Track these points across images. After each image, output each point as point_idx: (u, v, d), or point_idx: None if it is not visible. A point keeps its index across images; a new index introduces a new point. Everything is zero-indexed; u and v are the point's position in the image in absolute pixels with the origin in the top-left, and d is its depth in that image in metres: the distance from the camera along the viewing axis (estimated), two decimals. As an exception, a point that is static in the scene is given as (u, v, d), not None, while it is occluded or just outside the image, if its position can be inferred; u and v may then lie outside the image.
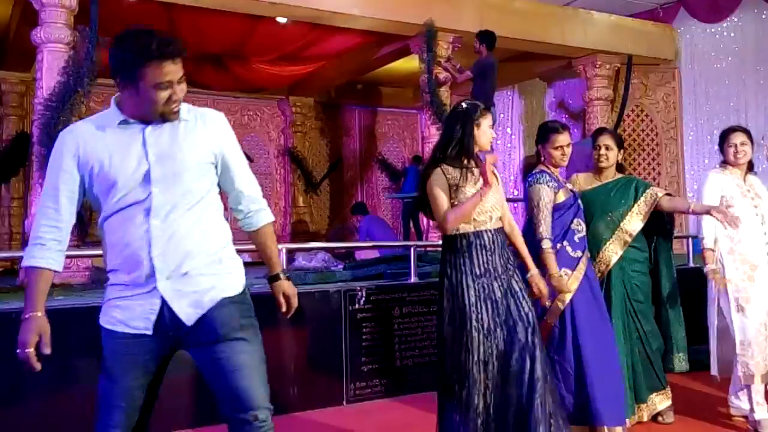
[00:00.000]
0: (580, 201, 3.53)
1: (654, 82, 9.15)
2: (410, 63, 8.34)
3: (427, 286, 4.85)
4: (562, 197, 3.43)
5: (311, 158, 10.72)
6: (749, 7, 8.38)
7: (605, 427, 3.22)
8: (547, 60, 8.99)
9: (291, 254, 6.28)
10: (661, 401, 3.75)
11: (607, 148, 3.74)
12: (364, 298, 4.54)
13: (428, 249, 5.97)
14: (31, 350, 1.89)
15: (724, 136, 3.82)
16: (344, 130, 11.31)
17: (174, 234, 1.98)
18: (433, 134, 7.52)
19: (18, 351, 1.90)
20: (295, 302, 2.32)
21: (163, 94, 1.95)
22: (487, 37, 6.74)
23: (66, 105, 5.62)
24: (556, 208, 3.39)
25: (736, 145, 3.72)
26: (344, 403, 4.38)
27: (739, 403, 3.78)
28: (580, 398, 3.25)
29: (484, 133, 2.94)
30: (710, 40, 8.83)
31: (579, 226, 3.44)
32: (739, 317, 3.60)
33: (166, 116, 2.00)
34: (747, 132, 3.80)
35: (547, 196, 3.36)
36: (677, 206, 3.77)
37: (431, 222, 7.51)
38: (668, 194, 3.76)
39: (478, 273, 2.81)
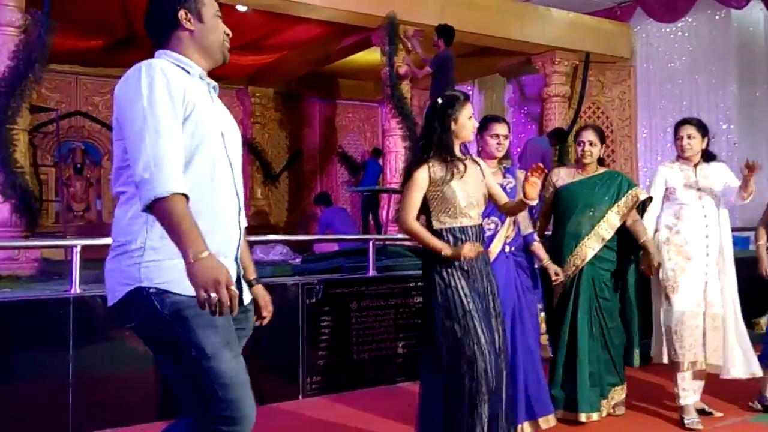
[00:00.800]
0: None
1: (610, 79, 9.31)
2: (371, 55, 8.32)
3: (386, 279, 4.86)
4: None
5: (270, 150, 10.62)
6: (703, 8, 8.58)
7: None
8: (506, 55, 9.07)
9: (249, 247, 6.19)
10: (618, 395, 3.86)
11: (590, 144, 3.79)
12: (321, 292, 4.51)
13: (387, 243, 5.97)
14: (235, 289, 1.63)
15: (675, 129, 3.90)
16: (304, 122, 11.23)
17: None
18: (394, 127, 7.53)
19: (213, 294, 1.58)
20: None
21: (222, 25, 1.94)
22: (445, 31, 6.76)
23: (16, 91, 5.46)
24: None
25: (683, 138, 3.80)
26: (300, 397, 4.35)
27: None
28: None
29: (463, 126, 2.90)
30: (665, 39, 9.02)
31: (490, 225, 3.41)
32: (665, 305, 3.73)
33: (225, 57, 1.97)
34: (697, 124, 3.83)
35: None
36: (636, 231, 3.76)
37: (390, 216, 7.52)
38: (649, 197, 3.83)
39: (465, 267, 2.83)
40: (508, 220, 3.45)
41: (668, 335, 3.72)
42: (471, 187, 2.88)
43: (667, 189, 3.82)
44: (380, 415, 3.94)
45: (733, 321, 3.76)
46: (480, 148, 3.54)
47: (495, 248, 3.40)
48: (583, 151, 3.81)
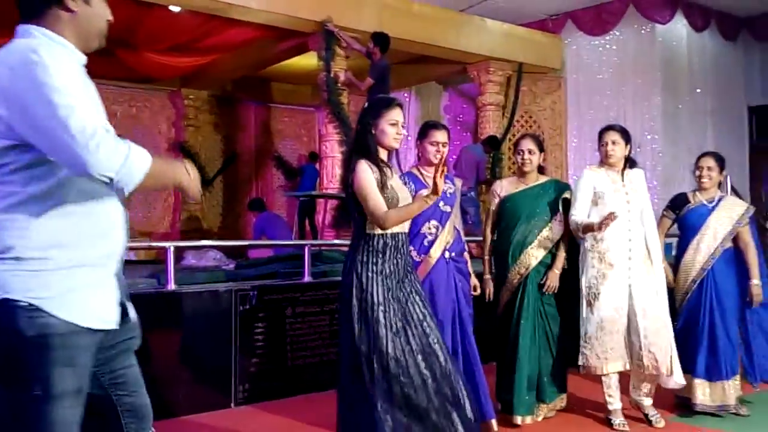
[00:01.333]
0: (440, 203, 3.45)
1: (542, 90, 9.54)
2: (309, 60, 8.28)
3: (321, 285, 4.82)
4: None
5: (204, 153, 10.39)
6: (630, 23, 8.90)
7: None
8: (443, 64, 9.18)
9: (179, 252, 6.06)
10: (561, 401, 3.97)
11: (530, 152, 3.87)
12: (255, 298, 4.44)
13: (323, 248, 5.93)
14: None
15: (599, 135, 3.97)
16: (239, 126, 11.05)
17: None
18: (331, 133, 7.50)
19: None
20: None
21: (108, 11, 1.78)
22: (381, 39, 6.79)
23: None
24: None
25: (607, 144, 3.86)
26: (233, 405, 4.27)
27: (636, 396, 3.94)
28: None
29: (383, 132, 2.85)
30: (594, 51, 9.31)
31: (431, 229, 3.45)
32: (586, 312, 3.78)
33: (101, 45, 1.80)
34: (620, 130, 3.89)
35: None
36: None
37: (326, 221, 7.48)
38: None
39: (386, 273, 2.79)
40: (449, 225, 3.48)
41: (586, 341, 3.76)
42: (400, 194, 2.87)
43: (595, 194, 3.84)
44: (314, 422, 3.90)
45: (665, 326, 3.77)
46: (420, 155, 3.56)
47: (435, 253, 3.42)
48: (523, 159, 3.89)
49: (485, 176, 8.39)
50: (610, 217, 3.52)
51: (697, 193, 4.15)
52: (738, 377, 4.04)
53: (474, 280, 3.71)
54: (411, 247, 3.38)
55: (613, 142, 3.85)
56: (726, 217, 4.06)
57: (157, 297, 4.18)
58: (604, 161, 3.90)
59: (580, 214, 3.79)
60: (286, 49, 8.24)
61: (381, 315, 2.73)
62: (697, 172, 4.13)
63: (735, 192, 4.29)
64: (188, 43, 8.02)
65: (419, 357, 2.74)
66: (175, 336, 4.12)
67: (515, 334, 3.78)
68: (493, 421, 3.49)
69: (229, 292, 4.37)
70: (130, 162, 1.56)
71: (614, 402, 3.82)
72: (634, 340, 3.72)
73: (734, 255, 4.09)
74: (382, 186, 2.80)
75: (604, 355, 3.72)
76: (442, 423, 2.70)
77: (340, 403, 2.88)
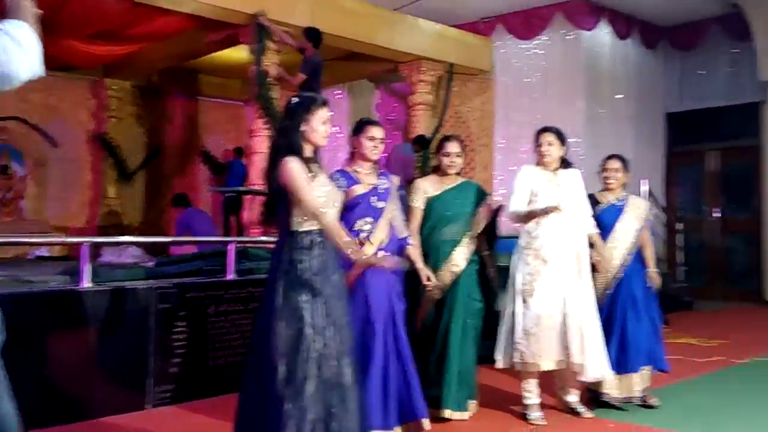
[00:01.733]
0: (373, 199, 3.45)
1: (472, 91, 9.68)
2: (239, 53, 8.12)
3: (246, 283, 4.74)
4: (355, 193, 3.42)
5: (126, 146, 10.05)
6: (557, 28, 9.14)
7: None
8: (375, 62, 9.18)
9: (97, 249, 5.83)
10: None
11: (457, 156, 3.95)
12: (176, 296, 4.32)
13: (249, 245, 5.83)
14: None
15: (536, 136, 4.05)
16: (164, 119, 10.74)
17: None
18: (260, 128, 7.39)
19: None
20: None
21: None
22: (314, 34, 6.73)
23: None
24: (347, 207, 3.33)
25: (543, 145, 3.98)
26: (149, 406, 4.13)
27: (562, 394, 4.03)
28: None
29: (313, 129, 2.81)
30: (522, 55, 9.51)
31: (365, 226, 3.42)
32: (522, 308, 3.84)
33: None
34: (556, 132, 4.01)
35: None
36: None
37: (252, 218, 7.36)
38: (501, 206, 4.05)
39: (315, 271, 2.75)
40: (382, 224, 3.46)
41: (523, 338, 3.80)
42: (324, 192, 2.82)
43: (531, 192, 3.93)
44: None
45: (589, 324, 3.86)
46: (355, 150, 3.52)
47: (369, 251, 3.39)
48: (451, 162, 3.95)
49: (412, 175, 8.43)
50: (554, 208, 3.70)
51: (604, 193, 4.31)
52: (648, 369, 4.17)
53: (427, 271, 3.74)
54: None
55: (549, 143, 3.96)
56: (635, 216, 4.25)
57: (69, 295, 4.00)
58: (540, 162, 4.00)
59: (519, 206, 3.91)
60: (216, 41, 8.05)
61: (307, 314, 2.69)
62: (604, 174, 4.30)
63: (652, 195, 4.46)
64: (112, 30, 7.74)
65: (333, 360, 2.71)
66: (89, 336, 3.96)
67: (446, 330, 3.82)
68: (425, 420, 3.45)
69: (148, 290, 4.23)
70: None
71: (532, 397, 3.90)
72: (566, 337, 3.80)
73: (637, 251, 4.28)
74: (313, 180, 2.77)
75: (539, 352, 3.78)
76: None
77: (244, 401, 2.79)
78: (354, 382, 2.74)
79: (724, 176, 10.22)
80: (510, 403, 4.16)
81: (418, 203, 3.97)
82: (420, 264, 3.76)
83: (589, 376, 3.85)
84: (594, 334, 3.86)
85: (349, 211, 3.37)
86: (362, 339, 3.34)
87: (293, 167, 2.73)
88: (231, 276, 4.74)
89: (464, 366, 3.84)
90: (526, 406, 3.90)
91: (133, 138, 10.28)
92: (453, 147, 3.97)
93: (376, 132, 3.49)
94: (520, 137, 9.34)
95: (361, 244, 3.37)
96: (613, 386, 4.07)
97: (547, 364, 3.81)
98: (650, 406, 4.13)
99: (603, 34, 9.42)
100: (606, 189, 4.29)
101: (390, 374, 3.35)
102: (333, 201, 2.87)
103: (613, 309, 4.15)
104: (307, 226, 2.78)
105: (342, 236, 2.82)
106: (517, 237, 4.05)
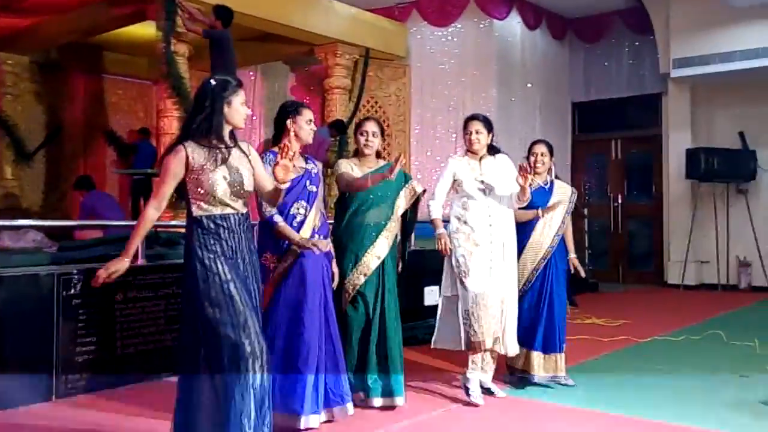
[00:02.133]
0: (307, 182, 3.47)
1: (388, 76, 9.69)
2: (146, 29, 7.77)
3: (156, 269, 4.57)
4: (291, 175, 3.37)
5: (24, 125, 9.43)
6: (470, 16, 9.28)
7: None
8: (290, 44, 9.02)
9: (-6, 232, 5.47)
10: None
11: (373, 135, 3.90)
12: (81, 283, 4.11)
13: (159, 229, 5.61)
14: None
15: (464, 124, 4.14)
16: (66, 97, 10.14)
17: None
18: (170, 108, 7.12)
19: None
20: None
21: None
22: (224, 13, 6.53)
23: None
24: None
25: (471, 133, 4.07)
26: (54, 398, 3.93)
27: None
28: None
29: (237, 111, 2.79)
30: (437, 42, 9.60)
31: (300, 210, 3.43)
32: (461, 289, 3.95)
33: None
34: (484, 120, 4.11)
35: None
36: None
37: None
38: (424, 190, 4.05)
39: (228, 255, 2.70)
40: (315, 208, 3.46)
41: (466, 318, 3.90)
42: (236, 176, 2.75)
43: (455, 181, 4.06)
44: (143, 412, 3.71)
45: (511, 305, 4.04)
46: (294, 133, 3.47)
47: (305, 235, 3.40)
48: (366, 141, 3.90)
49: (325, 158, 8.32)
50: (446, 249, 3.94)
51: (532, 177, 4.37)
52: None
53: (334, 267, 3.66)
54: None
55: (477, 132, 4.06)
56: (561, 199, 4.40)
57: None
58: (469, 149, 4.11)
59: (437, 201, 4.05)
60: (121, 15, 7.68)
61: (234, 291, 2.67)
62: (532, 158, 4.42)
63: (558, 179, 4.61)
64: (7, 1, 7.23)
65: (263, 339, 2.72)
66: (-16, 325, 3.71)
67: (381, 317, 3.78)
68: (350, 405, 3.49)
69: (50, 277, 4.01)
70: None
71: (474, 372, 3.97)
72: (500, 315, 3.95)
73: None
74: (202, 170, 2.68)
75: (481, 330, 3.89)
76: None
77: (185, 392, 2.73)
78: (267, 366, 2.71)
79: (626, 164, 10.73)
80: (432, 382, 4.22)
81: (347, 169, 3.88)
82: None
83: (509, 352, 4.04)
84: (513, 314, 4.05)
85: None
86: (296, 321, 3.35)
87: (172, 154, 2.71)
88: (141, 261, 4.56)
89: (401, 351, 3.86)
90: (467, 379, 3.96)
91: (32, 116, 9.64)
92: (369, 126, 3.92)
93: (312, 115, 3.55)
94: (435, 123, 9.47)
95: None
96: (540, 366, 4.22)
97: (489, 342, 3.91)
98: (567, 385, 4.27)
99: (514, 23, 9.64)
100: (534, 172, 4.37)
101: (321, 357, 3.38)
102: (240, 186, 2.78)
103: (541, 290, 4.29)
104: (208, 210, 2.72)
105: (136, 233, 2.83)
106: (447, 221, 4.11)
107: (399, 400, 3.76)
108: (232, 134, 2.85)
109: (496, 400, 4.02)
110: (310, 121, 3.52)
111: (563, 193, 4.44)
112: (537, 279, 4.31)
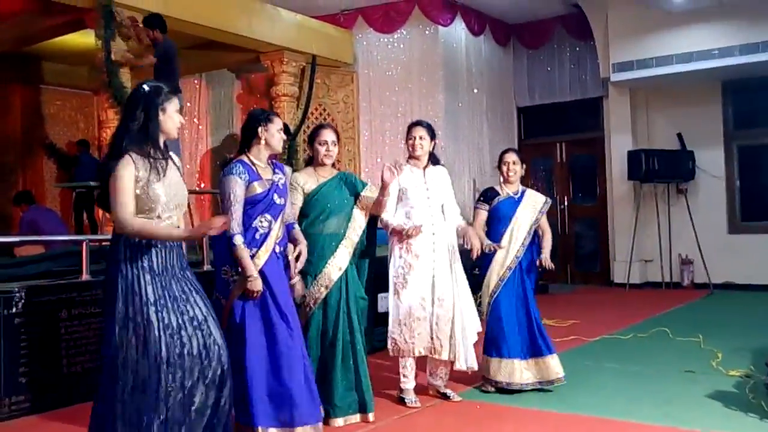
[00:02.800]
0: (274, 196, 3.38)
1: (335, 83, 9.68)
2: (85, 38, 7.56)
3: (101, 284, 4.42)
4: (257, 190, 3.31)
5: (-44, 139, 9.07)
6: (416, 23, 9.35)
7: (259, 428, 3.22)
8: (235, 51, 8.91)
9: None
10: None
11: (333, 144, 3.81)
12: (23, 301, 3.97)
13: (105, 243, 5.46)
14: None
15: (407, 130, 4.13)
16: (2, 109, 9.80)
17: None
18: (111, 119, 6.93)
19: None
20: None
21: None
22: (156, 21, 6.40)
23: None
24: (247, 202, 3.28)
25: (415, 138, 4.08)
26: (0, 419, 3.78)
27: (432, 380, 4.15)
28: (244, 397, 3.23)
29: (170, 118, 2.69)
30: (384, 48, 9.63)
31: (262, 223, 3.32)
32: (394, 299, 3.98)
33: None
34: (427, 127, 4.12)
35: (238, 188, 3.24)
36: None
37: (107, 215, 6.91)
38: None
39: (156, 270, 2.59)
40: (279, 222, 3.37)
41: (397, 327, 3.94)
42: (173, 188, 2.68)
43: (400, 190, 4.03)
44: None
45: (460, 315, 4.01)
46: (265, 141, 3.38)
47: (268, 248, 3.29)
48: (327, 151, 3.81)
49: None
50: (417, 230, 3.82)
51: (504, 185, 4.42)
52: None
53: (295, 281, 3.59)
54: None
55: (420, 138, 4.07)
56: (531, 208, 4.40)
57: None
58: (411, 155, 4.11)
59: (388, 212, 3.97)
60: (58, 24, 7.45)
61: (153, 316, 2.54)
62: (504, 167, 4.38)
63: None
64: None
65: (196, 359, 2.60)
66: None
67: (347, 329, 3.72)
68: (320, 424, 3.40)
69: (-10, 295, 3.86)
70: None
71: (408, 382, 4.01)
72: (436, 328, 3.94)
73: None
74: (146, 182, 2.59)
75: (412, 340, 3.92)
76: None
77: (98, 418, 2.61)
78: (213, 382, 2.64)
79: (571, 167, 10.96)
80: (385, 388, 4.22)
81: (298, 201, 3.78)
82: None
83: (457, 365, 3.99)
84: (466, 323, 4.03)
85: (249, 206, 3.28)
86: (266, 335, 3.26)
87: (122, 167, 2.56)
88: (85, 277, 4.43)
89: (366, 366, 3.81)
90: (403, 390, 4.01)
91: (-36, 129, 9.30)
92: (329, 135, 3.82)
93: (280, 123, 3.46)
94: (384, 129, 9.50)
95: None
96: (523, 373, 4.18)
97: (420, 350, 3.96)
98: (545, 390, 4.26)
99: (458, 30, 9.76)
100: (506, 181, 4.38)
101: (298, 370, 3.29)
102: (178, 200, 2.71)
103: (510, 299, 4.25)
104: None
105: (159, 232, 2.61)
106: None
107: (371, 416, 3.72)
108: (165, 144, 2.75)
109: (450, 405, 4.04)
110: (281, 129, 3.44)
111: (535, 202, 4.41)
112: (506, 287, 4.25)
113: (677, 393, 4.20)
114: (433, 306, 3.96)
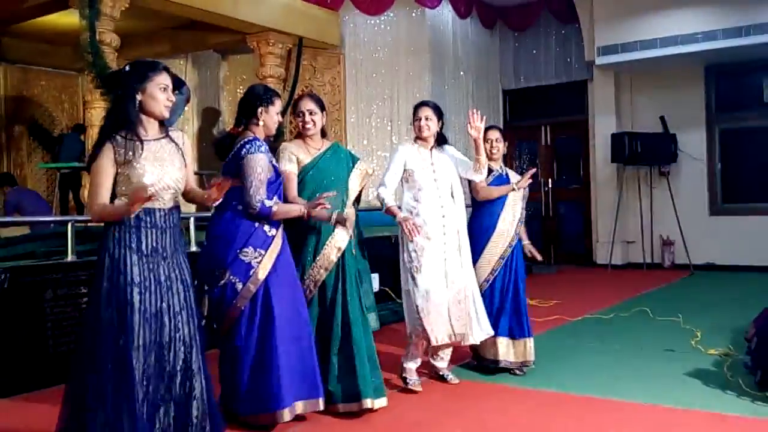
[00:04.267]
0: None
1: (322, 65, 9.64)
2: (68, 18, 7.48)
3: (87, 264, 4.44)
4: (271, 172, 3.33)
5: (-62, 119, 8.97)
6: (403, 5, 9.31)
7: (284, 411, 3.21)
8: (221, 32, 8.84)
9: None
10: None
11: (311, 113, 3.65)
12: (7, 281, 3.97)
13: (90, 224, 5.45)
14: None
15: (414, 111, 4.03)
16: (-16, 90, 9.68)
17: None
18: (97, 99, 6.88)
19: None
20: None
21: None
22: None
23: None
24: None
25: (421, 119, 3.97)
26: (-16, 401, 3.80)
27: (433, 361, 4.11)
28: (256, 385, 3.22)
29: (152, 97, 2.63)
30: (371, 31, 9.60)
31: (274, 206, 3.30)
32: (411, 283, 3.88)
33: None
34: (434, 107, 4.03)
35: (266, 166, 3.26)
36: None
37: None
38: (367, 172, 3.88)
39: (145, 252, 2.58)
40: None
41: (415, 313, 3.84)
42: (161, 170, 2.65)
43: (406, 171, 3.93)
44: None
45: (471, 293, 3.98)
46: (264, 123, 3.38)
47: (280, 230, 3.35)
48: (304, 121, 3.66)
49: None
50: (415, 231, 3.72)
51: (489, 163, 4.28)
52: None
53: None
54: (264, 221, 3.25)
55: (427, 118, 3.96)
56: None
57: None
58: (419, 136, 3.99)
59: (388, 189, 3.88)
60: (40, 4, 7.36)
61: (136, 298, 2.54)
62: (487, 145, 4.27)
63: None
64: None
65: (164, 350, 2.60)
66: None
67: (344, 316, 3.56)
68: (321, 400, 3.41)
69: (-25, 276, 3.86)
70: None
71: (414, 362, 3.99)
72: (452, 309, 3.89)
73: None
74: (127, 164, 2.57)
75: (430, 326, 3.82)
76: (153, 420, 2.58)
77: (70, 398, 2.61)
78: (198, 372, 2.66)
79: (556, 149, 11.03)
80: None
81: (291, 167, 3.62)
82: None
83: (471, 341, 3.96)
84: (476, 302, 3.99)
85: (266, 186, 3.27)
86: (267, 319, 3.25)
87: (101, 154, 2.57)
88: (71, 258, 4.43)
89: (370, 350, 3.62)
90: (405, 370, 3.97)
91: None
92: (306, 104, 3.67)
93: (281, 106, 3.46)
94: (371, 112, 9.50)
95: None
96: (509, 352, 4.19)
97: (440, 338, 3.87)
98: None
99: (445, 12, 9.74)
100: (490, 159, 4.29)
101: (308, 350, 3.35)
102: (167, 182, 2.68)
103: (506, 277, 4.25)
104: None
105: (111, 213, 2.57)
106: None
107: (367, 402, 3.47)
108: (162, 124, 2.73)
109: (443, 385, 4.06)
110: (279, 112, 3.43)
111: (516, 180, 4.39)
112: (502, 267, 4.24)
113: (657, 371, 4.29)
114: (448, 289, 3.89)
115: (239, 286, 3.20)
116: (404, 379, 3.97)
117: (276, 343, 3.21)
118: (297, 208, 3.36)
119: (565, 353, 4.79)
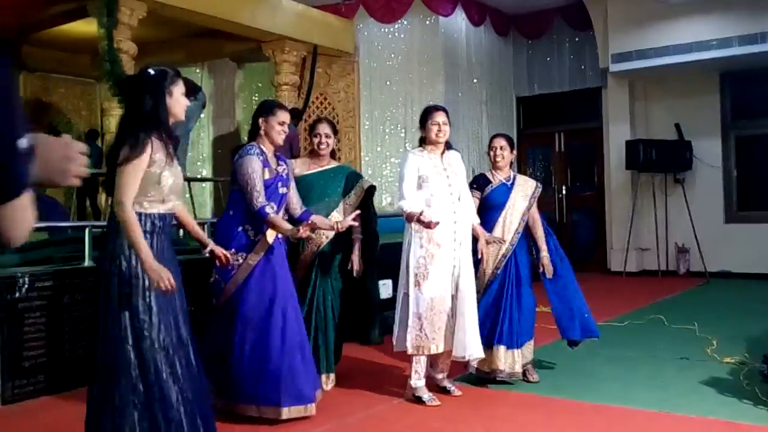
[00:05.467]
0: (278, 184, 3.59)
1: (336, 72, 9.70)
2: (87, 26, 7.59)
3: (102, 267, 4.49)
4: (266, 175, 3.51)
5: (-40, 126, 9.09)
6: (417, 13, 9.35)
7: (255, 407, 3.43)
8: (237, 41, 8.94)
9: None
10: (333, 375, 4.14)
11: (326, 136, 4.03)
12: (27, 286, 4.03)
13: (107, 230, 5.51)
14: None
15: (426, 115, 3.97)
16: (5, 97, 9.81)
17: None
18: (114, 107, 6.98)
19: None
20: None
21: None
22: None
23: None
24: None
25: (439, 124, 3.90)
26: (0, 403, 3.84)
27: (432, 372, 4.02)
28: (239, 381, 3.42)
29: (177, 101, 2.70)
30: (384, 38, 9.65)
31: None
32: (415, 291, 3.80)
33: None
34: (447, 112, 4.01)
35: (257, 165, 3.45)
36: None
37: (110, 201, 6.96)
38: (372, 186, 4.15)
39: (156, 256, 2.61)
40: (282, 210, 3.57)
41: (417, 322, 3.77)
42: (176, 175, 2.72)
43: (420, 177, 3.86)
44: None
45: (471, 305, 3.88)
46: (265, 132, 3.56)
47: (271, 235, 3.48)
48: (320, 143, 4.04)
49: (299, 150, 8.14)
50: (431, 226, 3.65)
51: (494, 172, 4.32)
52: (532, 343, 4.30)
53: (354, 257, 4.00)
54: (248, 225, 3.47)
55: (443, 123, 3.92)
56: (522, 194, 4.31)
57: None
58: (434, 142, 3.93)
59: (408, 199, 3.81)
60: (60, 13, 7.48)
61: (154, 300, 2.58)
62: (491, 153, 4.29)
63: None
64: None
65: (181, 350, 2.66)
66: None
67: (322, 307, 4.01)
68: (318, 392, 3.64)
69: (-6, 280, 3.92)
70: None
71: (421, 378, 3.87)
72: (454, 320, 3.82)
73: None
74: (159, 166, 2.61)
75: (433, 335, 3.77)
76: (184, 420, 2.61)
77: (96, 404, 2.64)
78: (190, 374, 2.69)
79: (569, 156, 11.00)
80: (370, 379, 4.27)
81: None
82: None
83: (465, 354, 3.84)
84: (473, 315, 3.88)
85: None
86: (271, 315, 3.44)
87: (141, 151, 2.58)
88: (88, 263, 4.49)
89: (331, 340, 4.06)
90: (415, 389, 3.85)
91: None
92: (323, 128, 4.08)
93: (285, 116, 3.62)
94: (385, 119, 9.54)
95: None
96: (505, 362, 4.08)
97: (441, 346, 3.81)
98: (529, 381, 4.23)
99: (459, 20, 9.77)
100: (495, 168, 4.30)
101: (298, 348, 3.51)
102: (178, 187, 2.76)
103: (502, 287, 4.18)
104: (151, 209, 2.64)
105: (140, 242, 2.56)
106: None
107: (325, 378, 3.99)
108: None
109: (448, 396, 3.99)
110: (283, 123, 3.58)
111: (526, 188, 4.34)
112: (497, 279, 4.19)
113: (672, 379, 4.26)
114: (456, 299, 3.82)
115: (222, 285, 3.51)
116: (419, 399, 3.84)
117: (235, 346, 3.43)
118: (288, 228, 3.48)
119: (578, 361, 4.77)
